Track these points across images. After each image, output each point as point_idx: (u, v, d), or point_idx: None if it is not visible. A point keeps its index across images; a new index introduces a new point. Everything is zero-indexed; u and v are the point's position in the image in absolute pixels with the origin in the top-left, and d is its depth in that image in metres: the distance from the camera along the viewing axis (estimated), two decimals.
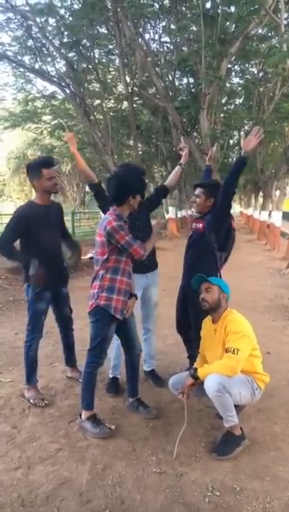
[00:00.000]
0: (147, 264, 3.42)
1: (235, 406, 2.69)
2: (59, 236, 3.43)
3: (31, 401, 3.31)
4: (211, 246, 3.35)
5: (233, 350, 2.57)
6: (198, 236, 3.44)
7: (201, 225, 3.44)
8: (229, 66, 12.12)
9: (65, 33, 11.11)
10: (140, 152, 16.46)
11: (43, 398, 3.34)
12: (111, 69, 15.21)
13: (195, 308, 3.18)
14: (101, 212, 3.99)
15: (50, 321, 3.60)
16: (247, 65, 14.58)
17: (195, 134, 14.52)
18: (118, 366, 3.58)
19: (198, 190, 3.48)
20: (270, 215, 16.04)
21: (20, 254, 3.22)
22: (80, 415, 2.95)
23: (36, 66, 12.01)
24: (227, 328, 2.71)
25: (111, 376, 3.61)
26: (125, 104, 14.78)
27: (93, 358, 2.91)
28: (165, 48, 14.05)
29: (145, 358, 3.72)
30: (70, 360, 3.77)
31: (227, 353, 2.59)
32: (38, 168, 3.14)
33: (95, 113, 13.44)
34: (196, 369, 2.73)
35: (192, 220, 3.68)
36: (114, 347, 3.45)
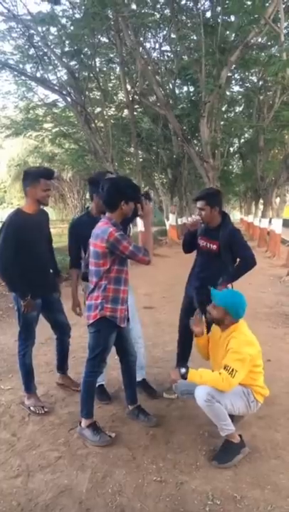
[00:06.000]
0: None
1: (232, 415, 2.68)
2: (46, 243, 3.42)
3: (31, 408, 3.30)
4: (226, 264, 3.38)
5: (232, 370, 2.51)
6: (214, 256, 3.41)
7: (215, 246, 3.39)
8: (229, 74, 12.18)
9: (67, 41, 11.21)
10: (141, 159, 16.52)
11: (43, 406, 3.33)
12: (112, 77, 15.32)
13: None
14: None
15: (49, 328, 3.60)
16: (247, 74, 14.68)
17: (195, 141, 14.58)
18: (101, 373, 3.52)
19: (200, 203, 3.35)
20: (270, 222, 16.07)
21: (21, 286, 3.18)
22: (80, 423, 2.94)
23: (38, 74, 12.10)
24: (229, 344, 2.67)
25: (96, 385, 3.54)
26: (126, 112, 14.87)
27: (93, 368, 2.90)
28: (165, 56, 14.18)
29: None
30: (62, 367, 3.75)
31: (225, 369, 2.53)
32: (37, 176, 3.14)
33: (96, 121, 13.51)
34: (187, 369, 2.63)
35: (202, 238, 3.48)
36: None
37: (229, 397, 2.59)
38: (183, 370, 2.61)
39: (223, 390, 2.53)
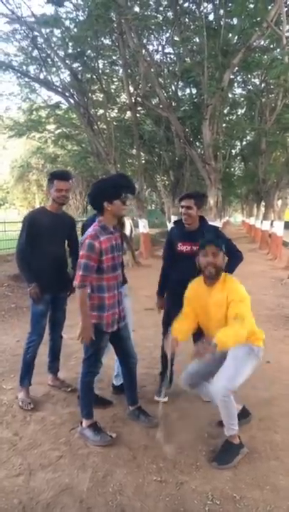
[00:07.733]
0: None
1: (238, 418, 2.73)
2: (63, 245, 3.58)
3: (19, 403, 3.36)
4: None
5: (243, 318, 2.59)
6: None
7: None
8: (231, 77, 12.22)
9: (70, 44, 11.29)
10: (143, 161, 16.54)
11: (30, 402, 3.37)
12: (115, 79, 15.39)
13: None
14: None
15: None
16: (249, 76, 14.71)
17: (197, 143, 14.61)
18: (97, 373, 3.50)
19: (188, 202, 3.31)
20: (272, 224, 16.09)
21: (28, 273, 3.36)
22: (81, 423, 2.96)
23: (41, 76, 12.18)
24: (231, 296, 2.68)
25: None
26: (128, 114, 14.93)
27: (88, 368, 2.92)
28: (168, 59, 14.23)
29: (118, 372, 3.54)
30: (52, 367, 3.79)
31: (236, 318, 2.57)
32: (52, 177, 3.39)
33: (99, 122, 13.57)
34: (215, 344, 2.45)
35: (184, 243, 3.39)
36: None
37: (243, 367, 2.66)
38: (213, 342, 2.42)
39: (243, 339, 2.57)
